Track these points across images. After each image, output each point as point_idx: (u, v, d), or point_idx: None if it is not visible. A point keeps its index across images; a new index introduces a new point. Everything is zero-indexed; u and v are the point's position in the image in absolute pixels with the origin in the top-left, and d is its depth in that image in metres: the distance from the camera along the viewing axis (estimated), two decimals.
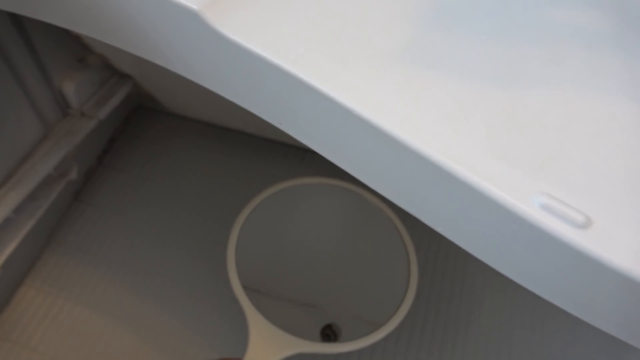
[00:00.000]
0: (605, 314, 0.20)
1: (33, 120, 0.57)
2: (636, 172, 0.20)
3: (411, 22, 0.27)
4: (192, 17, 0.25)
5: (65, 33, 0.58)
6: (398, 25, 0.26)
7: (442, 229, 0.22)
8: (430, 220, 0.23)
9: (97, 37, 0.30)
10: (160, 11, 0.26)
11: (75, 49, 0.61)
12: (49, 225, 0.65)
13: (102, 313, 0.59)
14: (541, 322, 0.61)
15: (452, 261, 0.66)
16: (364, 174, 0.24)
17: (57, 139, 0.59)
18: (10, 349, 0.56)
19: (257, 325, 0.46)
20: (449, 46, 0.25)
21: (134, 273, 0.63)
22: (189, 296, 0.61)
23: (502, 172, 0.19)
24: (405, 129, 0.22)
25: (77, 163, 0.63)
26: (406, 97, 0.23)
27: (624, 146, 0.21)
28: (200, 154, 0.74)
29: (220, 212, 0.68)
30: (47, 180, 0.60)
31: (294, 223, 0.61)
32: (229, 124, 0.72)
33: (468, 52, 0.25)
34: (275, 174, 0.72)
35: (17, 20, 0.51)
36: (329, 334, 0.55)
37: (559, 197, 0.19)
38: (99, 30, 0.29)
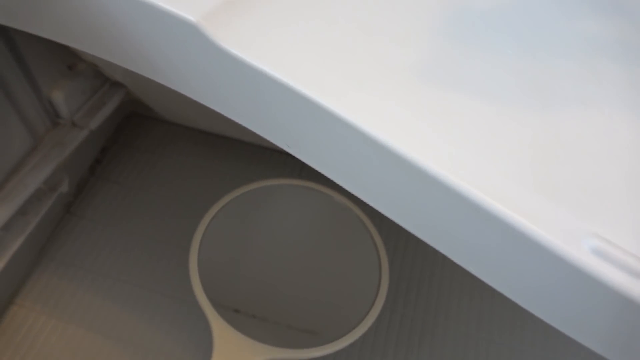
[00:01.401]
0: None
1: (21, 132, 0.54)
2: None
3: (429, 36, 0.24)
4: (191, 30, 0.23)
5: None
6: (415, 40, 0.24)
7: (473, 269, 0.20)
8: (460, 258, 0.20)
9: (89, 51, 0.27)
10: (157, 23, 0.24)
11: (65, 55, 0.58)
12: (39, 241, 0.63)
13: (96, 333, 0.57)
14: (509, 329, 0.59)
15: (419, 262, 0.64)
16: (385, 206, 0.22)
17: (47, 151, 0.57)
18: None
19: (222, 333, 0.45)
20: (473, 63, 0.23)
21: (129, 289, 0.60)
22: (189, 313, 0.59)
23: (546, 210, 0.17)
24: (431, 157, 0.19)
25: (68, 175, 0.60)
26: (429, 122, 0.21)
27: None
28: (196, 163, 0.72)
29: None
30: (37, 194, 0.57)
31: (260, 227, 0.58)
32: (226, 132, 0.69)
33: (494, 70, 0.23)
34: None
35: (3, 28, 0.49)
36: None
37: (610, 239, 0.17)
38: (91, 44, 0.27)
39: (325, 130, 0.21)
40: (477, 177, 0.18)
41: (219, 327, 0.46)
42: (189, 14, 0.22)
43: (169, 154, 0.73)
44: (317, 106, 0.20)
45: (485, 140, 0.20)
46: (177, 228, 0.65)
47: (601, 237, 0.17)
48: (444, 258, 0.63)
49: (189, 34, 0.22)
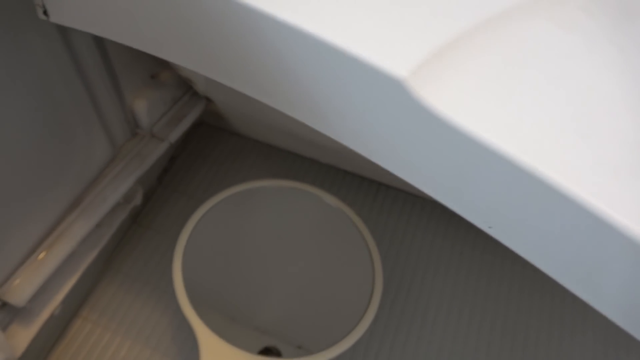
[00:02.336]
0: None
1: (103, 141, 0.52)
2: None
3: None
4: (394, 87, 0.19)
5: None
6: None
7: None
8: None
9: (254, 95, 0.24)
10: (344, 74, 0.20)
11: (150, 64, 0.56)
12: (107, 252, 0.61)
13: (162, 355, 0.54)
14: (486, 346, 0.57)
15: (411, 265, 0.61)
16: None
17: (126, 163, 0.54)
18: None
19: (208, 342, 0.43)
20: None
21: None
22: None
23: None
24: None
25: (142, 186, 0.58)
26: None
27: None
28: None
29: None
30: (113, 207, 0.55)
31: (247, 231, 0.55)
32: (304, 151, 0.66)
33: None
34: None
35: (98, 38, 0.46)
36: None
37: None
38: (256, 88, 0.24)
39: (564, 223, 0.17)
40: None
41: (205, 337, 0.43)
42: (396, 70, 0.19)
43: (238, 167, 0.70)
44: (560, 195, 0.17)
45: None
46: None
47: None
48: (434, 260, 0.61)
49: (391, 91, 0.19)
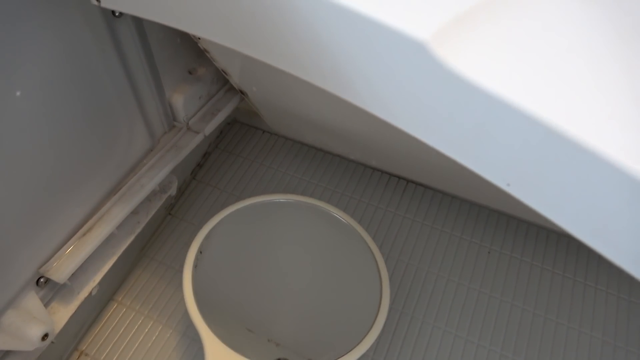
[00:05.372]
0: None
1: (143, 133, 0.55)
2: None
3: None
4: (416, 49, 0.20)
5: (182, 43, 0.56)
6: None
7: None
8: None
9: (286, 67, 0.26)
10: (371, 42, 0.21)
11: (188, 60, 0.59)
12: (143, 240, 0.63)
13: (192, 340, 0.56)
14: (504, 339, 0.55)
15: (419, 278, 0.60)
16: None
17: (163, 153, 0.57)
18: None
19: (214, 350, 0.43)
20: None
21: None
22: None
23: None
24: None
25: (177, 178, 0.61)
26: None
27: None
28: (295, 176, 0.70)
29: None
30: (149, 195, 0.58)
31: (258, 243, 0.56)
32: (332, 148, 0.67)
33: None
34: (374, 203, 0.67)
35: (140, 28, 0.49)
36: None
37: None
38: (288, 61, 0.25)
39: (575, 168, 0.18)
40: None
41: (211, 344, 0.44)
42: (417, 32, 0.20)
43: (269, 163, 0.72)
44: (571, 144, 0.17)
45: None
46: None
47: None
48: (443, 269, 0.60)
49: (413, 54, 0.20)
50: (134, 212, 0.56)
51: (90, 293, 0.51)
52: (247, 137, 0.76)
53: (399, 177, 0.70)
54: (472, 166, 0.21)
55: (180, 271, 0.61)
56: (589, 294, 0.60)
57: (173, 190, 0.60)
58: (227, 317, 0.50)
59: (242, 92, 0.58)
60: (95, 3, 0.33)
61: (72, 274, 0.50)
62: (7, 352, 0.45)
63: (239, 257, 0.56)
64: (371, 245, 0.53)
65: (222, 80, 0.63)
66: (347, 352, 0.44)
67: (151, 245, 0.64)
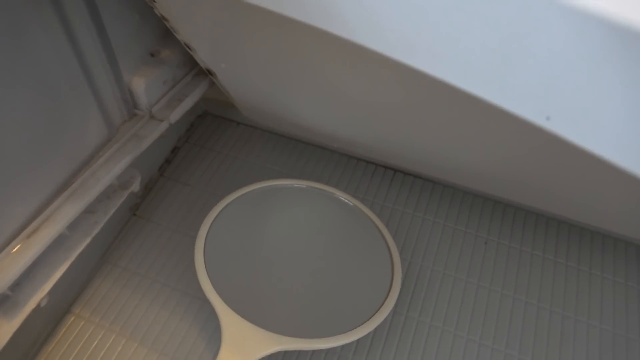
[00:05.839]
0: None
1: (98, 121, 0.49)
2: None
3: None
4: None
5: (142, 20, 0.50)
6: None
7: None
8: None
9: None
10: None
11: (150, 40, 0.53)
12: (103, 244, 0.57)
13: (160, 354, 0.49)
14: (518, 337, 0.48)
15: (429, 261, 0.54)
16: None
17: (122, 144, 0.51)
18: None
19: (230, 323, 0.42)
20: None
21: (200, 305, 0.53)
22: None
23: None
24: None
25: (140, 173, 0.54)
26: None
27: None
28: (274, 169, 0.65)
29: None
30: (107, 192, 0.51)
31: (266, 226, 0.54)
32: (312, 137, 0.62)
33: None
34: (360, 195, 0.62)
35: (92, 7, 0.43)
36: None
37: None
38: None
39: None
40: None
41: (227, 317, 0.43)
42: None
43: (243, 157, 0.66)
44: None
45: None
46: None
47: None
48: (454, 256, 0.57)
49: None
50: (90, 211, 0.50)
51: (39, 304, 0.44)
52: (221, 129, 0.70)
53: (386, 167, 0.65)
54: (498, 99, 0.16)
55: (146, 277, 0.55)
56: (595, 282, 0.55)
57: (136, 187, 0.54)
58: (236, 295, 0.48)
59: (209, 72, 0.52)
60: None
61: (16, 283, 0.43)
62: None
63: (246, 239, 0.53)
64: (380, 226, 0.53)
65: (189, 64, 0.57)
66: (364, 322, 0.45)
67: (113, 250, 0.57)
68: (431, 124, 0.37)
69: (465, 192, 0.63)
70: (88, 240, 0.48)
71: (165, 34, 0.54)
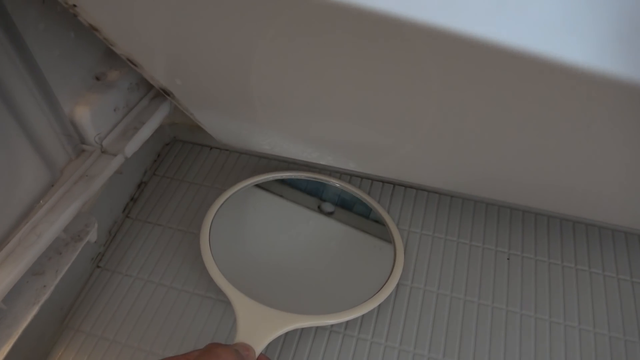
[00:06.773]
0: None
1: (35, 163, 0.40)
2: None
3: None
4: None
5: (78, 39, 0.42)
6: None
7: None
8: None
9: None
10: None
11: (92, 61, 0.45)
12: (61, 308, 0.48)
13: None
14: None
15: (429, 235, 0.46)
16: None
17: (69, 187, 0.42)
18: None
19: (243, 306, 0.43)
20: None
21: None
22: None
23: None
24: None
25: (97, 218, 0.46)
26: None
27: None
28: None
29: None
30: (57, 246, 0.43)
31: (270, 218, 0.54)
32: (292, 153, 0.54)
33: None
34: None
35: (9, 25, 0.35)
36: None
37: None
38: None
39: None
40: None
41: (240, 302, 0.43)
42: None
43: (219, 185, 0.58)
44: None
45: None
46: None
47: None
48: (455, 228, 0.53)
49: None
50: (35, 272, 0.41)
51: None
52: (192, 157, 0.61)
53: (380, 181, 0.57)
54: None
55: (116, 342, 0.46)
56: (611, 285, 0.47)
57: (93, 236, 0.45)
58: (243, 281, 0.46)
59: (165, 92, 0.44)
60: None
61: None
62: None
63: (243, 234, 0.52)
64: (384, 216, 0.53)
65: (144, 85, 0.49)
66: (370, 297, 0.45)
67: (75, 313, 0.48)
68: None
69: (465, 199, 0.55)
70: (35, 309, 0.39)
71: (111, 52, 0.46)
